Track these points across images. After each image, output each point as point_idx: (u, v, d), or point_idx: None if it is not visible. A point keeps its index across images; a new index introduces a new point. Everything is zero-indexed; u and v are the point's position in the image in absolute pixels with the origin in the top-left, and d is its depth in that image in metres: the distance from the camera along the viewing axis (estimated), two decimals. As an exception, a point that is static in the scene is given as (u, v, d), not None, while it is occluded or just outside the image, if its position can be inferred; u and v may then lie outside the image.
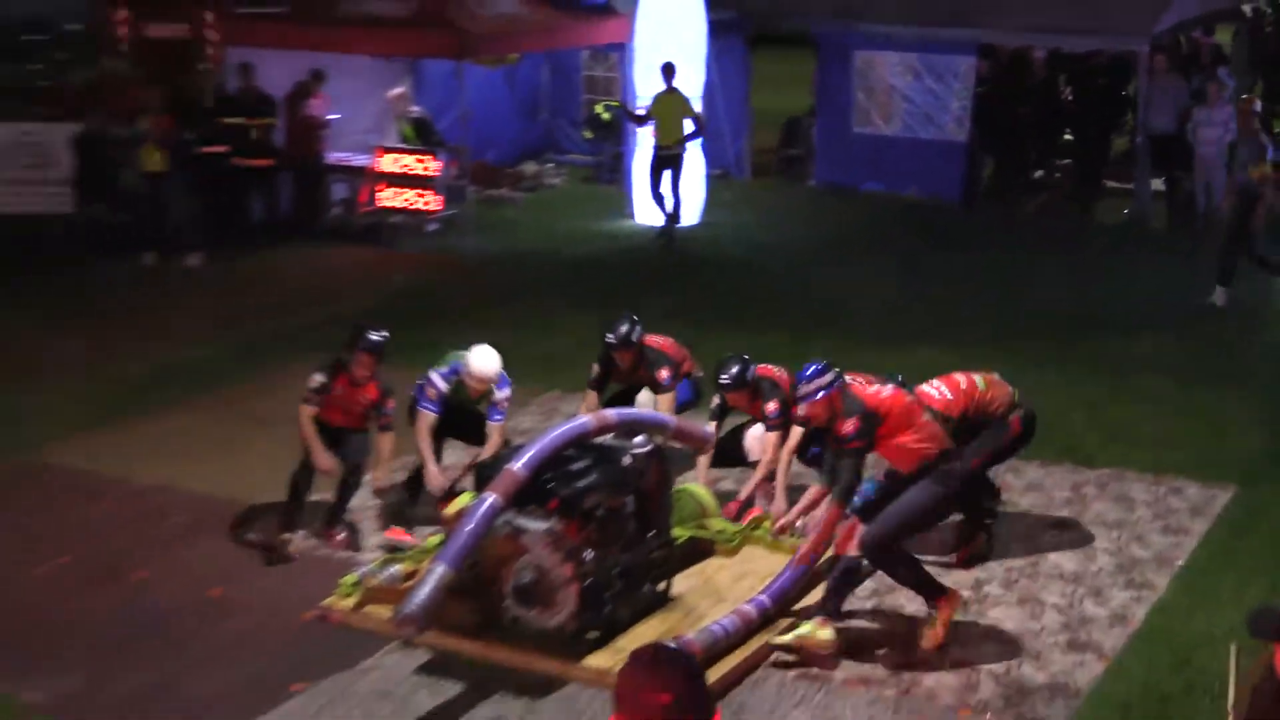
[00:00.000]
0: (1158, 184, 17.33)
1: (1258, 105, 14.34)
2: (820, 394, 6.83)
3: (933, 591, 7.05)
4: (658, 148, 16.18)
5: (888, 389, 7.26)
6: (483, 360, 8.34)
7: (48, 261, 15.59)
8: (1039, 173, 19.61)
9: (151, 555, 8.69)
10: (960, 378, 7.96)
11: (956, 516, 7.87)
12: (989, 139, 18.13)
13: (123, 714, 6.95)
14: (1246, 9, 22.35)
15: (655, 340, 8.84)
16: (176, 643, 7.66)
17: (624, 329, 8.51)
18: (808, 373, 6.97)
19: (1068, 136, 19.34)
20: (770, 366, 8.51)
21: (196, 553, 8.69)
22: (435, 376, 8.36)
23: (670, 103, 16.01)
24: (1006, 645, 7.24)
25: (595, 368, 8.83)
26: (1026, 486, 9.46)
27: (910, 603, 7.55)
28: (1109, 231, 16.73)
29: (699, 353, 10.45)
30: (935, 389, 7.81)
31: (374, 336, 8.06)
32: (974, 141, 18.00)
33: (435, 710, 6.89)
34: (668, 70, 16.04)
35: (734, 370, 8.08)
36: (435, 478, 8.21)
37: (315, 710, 6.85)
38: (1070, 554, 8.35)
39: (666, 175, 16.13)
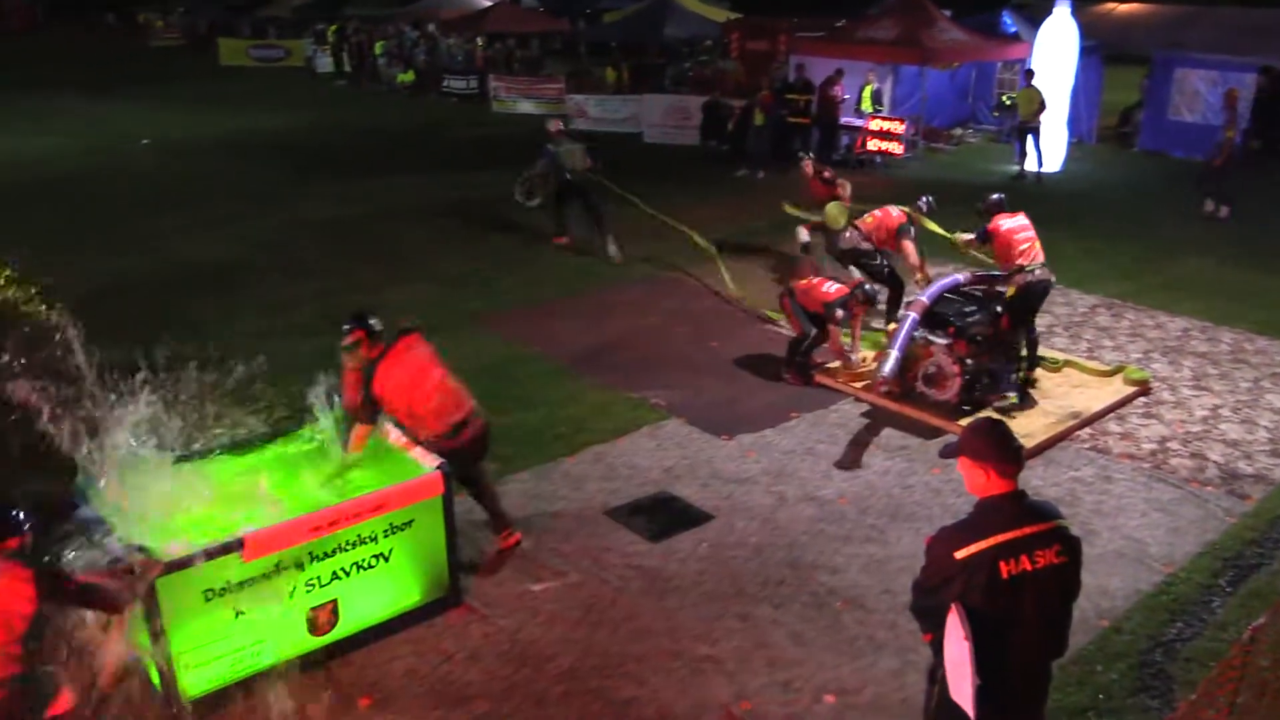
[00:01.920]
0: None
1: (1239, 94, 14.90)
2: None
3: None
4: (1020, 121, 17.26)
5: (1006, 224, 8.09)
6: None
7: (683, 171, 18.09)
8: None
9: (724, 333, 9.88)
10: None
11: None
12: (1262, 127, 18.00)
13: (707, 414, 7.99)
14: None
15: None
16: (736, 381, 8.76)
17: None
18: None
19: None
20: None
21: (751, 333, 9.84)
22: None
23: (1028, 93, 16.97)
24: (1229, 447, 7.54)
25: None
26: (1256, 350, 9.49)
27: (1170, 412, 8.04)
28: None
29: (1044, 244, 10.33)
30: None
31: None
32: (1250, 128, 17.60)
33: (868, 436, 7.73)
34: (1028, 74, 17.31)
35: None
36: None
37: (802, 429, 7.82)
38: (1284, 399, 8.45)
39: (1030, 138, 16.96)
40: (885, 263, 9.89)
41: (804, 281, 8.87)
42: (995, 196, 8.46)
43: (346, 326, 5.62)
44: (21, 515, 4.01)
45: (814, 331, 8.62)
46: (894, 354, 7.87)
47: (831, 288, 8.65)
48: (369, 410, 5.55)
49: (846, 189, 10.77)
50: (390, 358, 5.57)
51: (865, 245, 9.84)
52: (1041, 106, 17.06)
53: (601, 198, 12.46)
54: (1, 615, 3.74)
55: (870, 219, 9.59)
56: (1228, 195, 14.60)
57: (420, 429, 5.61)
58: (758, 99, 18.04)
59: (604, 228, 12.28)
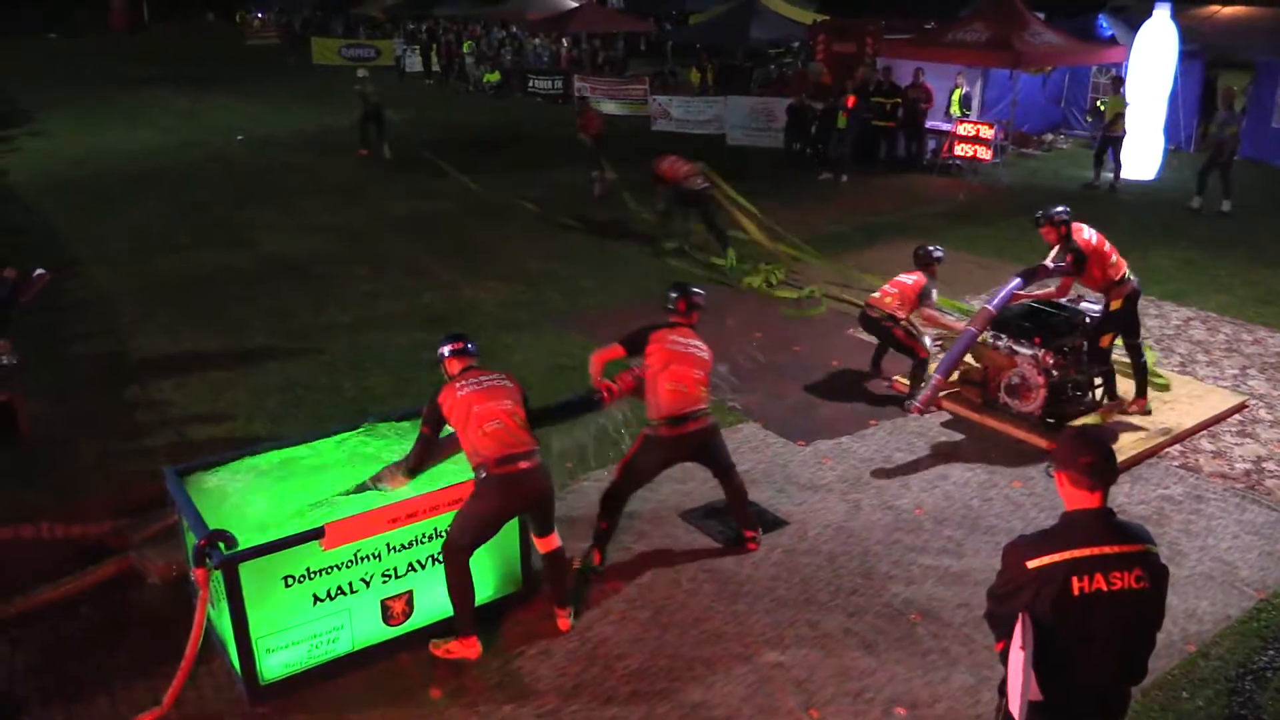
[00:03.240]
0: None
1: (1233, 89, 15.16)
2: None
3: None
4: (1104, 130, 16.95)
5: (1090, 236, 7.63)
6: None
7: (766, 174, 17.87)
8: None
9: (805, 338, 9.85)
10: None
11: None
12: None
13: (784, 419, 7.97)
14: None
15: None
16: (815, 386, 8.68)
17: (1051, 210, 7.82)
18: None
19: None
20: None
21: (832, 341, 9.76)
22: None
23: (1114, 101, 16.73)
24: None
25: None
26: None
27: (1267, 431, 7.69)
28: None
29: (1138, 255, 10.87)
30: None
31: (935, 252, 8.51)
32: None
33: (947, 446, 7.62)
34: (1116, 81, 17.14)
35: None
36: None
37: (880, 436, 7.73)
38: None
39: (1111, 148, 16.71)
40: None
41: (929, 314, 8.44)
42: (1061, 209, 7.82)
43: (674, 295, 6.12)
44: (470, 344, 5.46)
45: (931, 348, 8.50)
46: (933, 379, 7.78)
47: (909, 279, 8.52)
48: (632, 345, 5.96)
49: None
50: (674, 331, 5.99)
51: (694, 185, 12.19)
52: (1122, 117, 16.75)
53: (386, 120, 19.68)
54: (516, 404, 5.27)
55: (893, 294, 8.44)
56: (1202, 187, 15.16)
57: (652, 405, 5.76)
58: (842, 102, 17.85)
59: (385, 138, 19.56)
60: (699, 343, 5.94)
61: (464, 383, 5.23)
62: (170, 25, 57.24)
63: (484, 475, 5.01)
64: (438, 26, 37.66)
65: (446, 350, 5.45)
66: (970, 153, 17.94)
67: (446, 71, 33.71)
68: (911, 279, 8.49)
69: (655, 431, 5.79)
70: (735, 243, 12.52)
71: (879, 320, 8.45)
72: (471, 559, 5.25)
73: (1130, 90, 17.21)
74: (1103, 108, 19.09)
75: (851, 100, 17.86)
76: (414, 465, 5.36)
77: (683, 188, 12.21)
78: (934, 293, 8.51)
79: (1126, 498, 6.83)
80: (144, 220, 14.79)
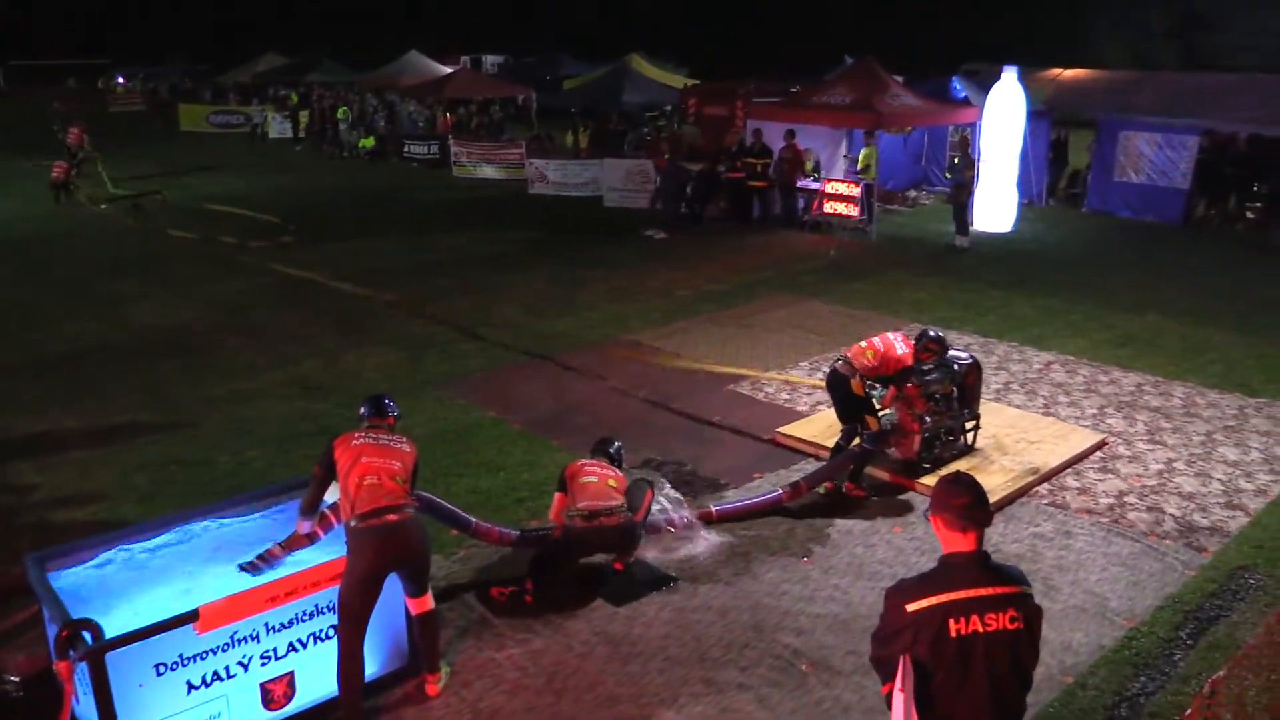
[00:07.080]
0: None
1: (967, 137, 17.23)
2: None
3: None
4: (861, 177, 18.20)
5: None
6: None
7: (640, 235, 18.12)
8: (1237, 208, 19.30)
9: (680, 394, 9.83)
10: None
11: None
12: (1204, 187, 18.75)
13: (669, 474, 7.73)
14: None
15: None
16: (699, 443, 8.66)
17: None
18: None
19: (1256, 189, 18.89)
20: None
21: (711, 396, 9.81)
22: None
23: (866, 153, 17.97)
24: (1185, 500, 7.59)
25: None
26: (1208, 404, 9.64)
27: (1126, 466, 8.26)
28: (1281, 247, 17.02)
29: (987, 306, 12.72)
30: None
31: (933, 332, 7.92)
32: (1193, 188, 18.70)
33: (826, 494, 7.67)
34: (868, 133, 18.52)
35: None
36: None
37: (765, 488, 7.62)
38: (1233, 449, 8.59)
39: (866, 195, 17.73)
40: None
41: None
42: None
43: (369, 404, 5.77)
44: (392, 402, 5.59)
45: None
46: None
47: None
48: (562, 485, 6.52)
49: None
50: (585, 461, 6.72)
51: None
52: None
53: None
54: (405, 466, 5.18)
55: (872, 354, 7.80)
56: (965, 227, 16.83)
57: (572, 499, 6.33)
58: (654, 163, 18.57)
59: None
60: (590, 465, 6.58)
61: (363, 435, 5.26)
62: (29, 92, 55.11)
63: (352, 525, 4.91)
64: (310, 92, 37.25)
65: (363, 411, 5.54)
66: (838, 210, 18.30)
67: (320, 137, 33.28)
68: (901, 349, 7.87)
69: (571, 522, 6.24)
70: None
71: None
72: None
73: (984, 148, 18.14)
74: (958, 161, 20.11)
75: (662, 161, 18.43)
76: (306, 504, 5.43)
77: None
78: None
79: (1001, 537, 7.01)
80: (6, 292, 14.08)
